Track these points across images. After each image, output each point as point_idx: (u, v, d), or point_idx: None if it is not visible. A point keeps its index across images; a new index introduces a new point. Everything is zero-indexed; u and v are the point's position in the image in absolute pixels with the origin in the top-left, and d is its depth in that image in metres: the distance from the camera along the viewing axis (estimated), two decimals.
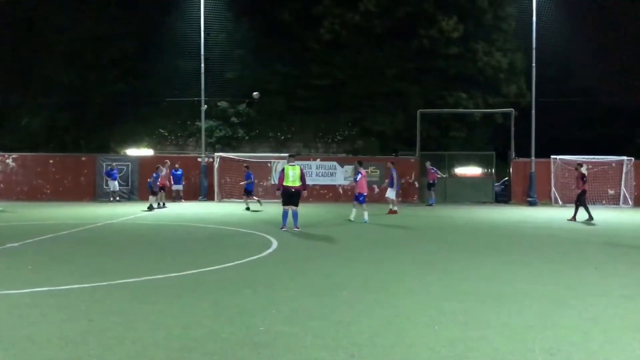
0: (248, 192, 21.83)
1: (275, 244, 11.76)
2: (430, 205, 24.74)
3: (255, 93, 25.43)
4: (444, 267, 9.26)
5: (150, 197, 21.54)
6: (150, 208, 20.96)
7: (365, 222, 16.60)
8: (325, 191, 27.36)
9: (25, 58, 32.91)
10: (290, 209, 14.68)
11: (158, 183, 21.84)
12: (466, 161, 29.01)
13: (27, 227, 15.25)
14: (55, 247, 11.46)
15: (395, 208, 20.34)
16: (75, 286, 7.49)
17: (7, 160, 27.02)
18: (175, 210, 21.09)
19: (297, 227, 14.43)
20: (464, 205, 25.54)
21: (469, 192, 27.25)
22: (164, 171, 22.92)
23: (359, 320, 5.88)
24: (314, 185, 26.67)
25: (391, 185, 20.63)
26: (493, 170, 27.77)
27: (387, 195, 20.90)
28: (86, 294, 7.08)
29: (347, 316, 6.04)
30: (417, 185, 27.38)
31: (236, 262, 9.43)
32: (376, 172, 26.95)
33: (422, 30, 31.57)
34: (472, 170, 29.09)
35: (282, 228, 14.42)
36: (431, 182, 25.09)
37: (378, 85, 31.07)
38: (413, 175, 27.40)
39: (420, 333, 5.47)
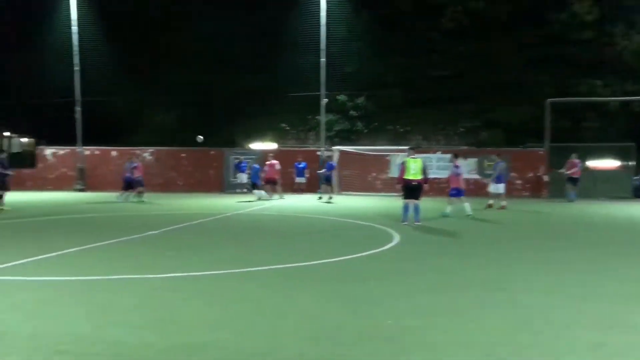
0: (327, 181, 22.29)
1: (397, 237, 11.65)
2: (572, 200, 23.09)
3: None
4: (581, 267, 8.66)
5: (255, 190, 22.42)
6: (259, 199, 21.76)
7: (446, 214, 16.11)
8: (447, 184, 26.68)
9: (159, 58, 35.29)
10: (412, 202, 14.47)
11: (262, 176, 22.58)
12: (601, 153, 26.95)
13: (164, 216, 16.38)
14: (190, 235, 12.19)
15: (491, 202, 19.33)
16: (210, 272, 7.89)
17: (145, 154, 29.18)
18: (296, 203, 21.61)
19: (418, 222, 14.20)
20: (599, 201, 23.79)
21: (605, 186, 25.31)
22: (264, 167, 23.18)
23: (492, 318, 5.64)
24: (434, 178, 26.18)
25: (498, 179, 19.54)
26: (634, 163, 25.57)
27: (490, 189, 19.87)
28: (220, 281, 7.44)
29: (478, 314, 5.82)
30: (546, 179, 25.94)
31: (359, 255, 9.45)
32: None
33: (551, 15, 29.71)
34: (608, 163, 26.97)
35: (403, 222, 14.25)
36: (575, 177, 23.17)
37: (503, 74, 29.70)
38: (541, 168, 26.02)
39: (559, 334, 5.13)
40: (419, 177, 14.40)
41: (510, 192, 26.16)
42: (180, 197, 24.41)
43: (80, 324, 5.37)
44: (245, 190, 26.98)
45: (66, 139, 30.82)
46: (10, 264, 8.33)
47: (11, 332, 5.10)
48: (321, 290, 6.90)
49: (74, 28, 29.92)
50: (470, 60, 30.12)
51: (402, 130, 30.61)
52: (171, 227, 13.17)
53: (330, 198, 22.01)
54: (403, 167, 14.49)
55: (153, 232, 12.28)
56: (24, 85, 35.39)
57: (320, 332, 5.16)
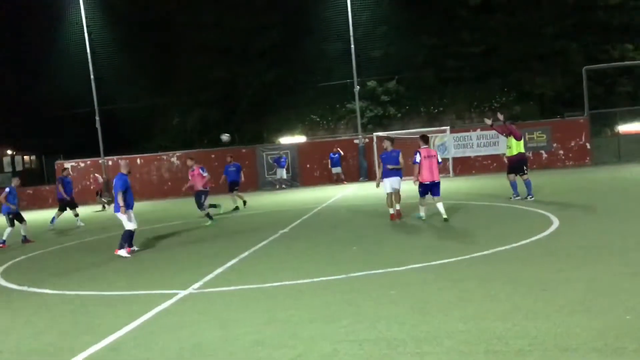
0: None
1: (547, 213, 11.14)
2: None
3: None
4: None
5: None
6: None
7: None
8: (489, 161, 26.48)
9: (169, 59, 33.97)
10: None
11: None
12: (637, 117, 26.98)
13: (263, 215, 15.88)
14: (322, 229, 11.57)
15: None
16: (427, 264, 7.34)
17: (172, 159, 28.16)
18: (354, 192, 20.84)
19: (532, 196, 13.87)
20: None
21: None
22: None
23: None
24: (476, 156, 26.04)
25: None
26: None
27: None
28: (451, 270, 6.89)
29: None
30: (588, 146, 25.88)
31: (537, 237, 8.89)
32: (542, 136, 25.96)
33: None
34: None
35: (516, 196, 14.04)
36: None
37: (535, 46, 29.42)
38: (583, 136, 25.95)
39: None
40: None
41: (554, 163, 26.12)
42: (223, 199, 23.49)
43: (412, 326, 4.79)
44: (284, 186, 26.29)
45: (87, 151, 29.64)
46: (210, 277, 7.66)
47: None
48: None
49: (86, 35, 28.74)
50: (499, 34, 29.79)
51: (435, 111, 30.20)
52: (291, 225, 12.53)
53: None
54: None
55: (283, 230, 11.67)
56: (31, 101, 33.91)
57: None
